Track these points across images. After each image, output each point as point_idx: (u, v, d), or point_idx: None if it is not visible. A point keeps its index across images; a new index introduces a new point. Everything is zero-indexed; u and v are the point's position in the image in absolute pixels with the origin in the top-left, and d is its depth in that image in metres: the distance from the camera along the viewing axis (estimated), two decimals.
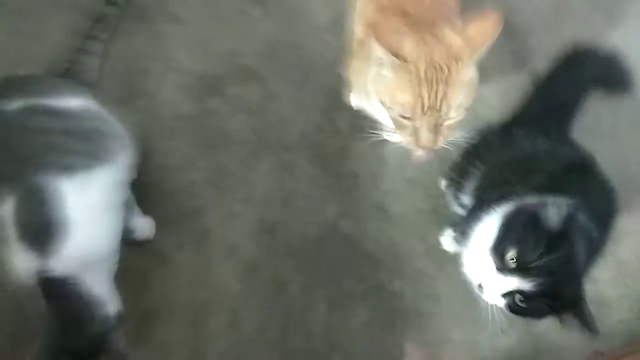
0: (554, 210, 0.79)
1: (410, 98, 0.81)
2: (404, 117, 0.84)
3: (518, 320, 1.29)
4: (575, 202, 0.82)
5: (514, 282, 0.82)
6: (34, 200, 0.92)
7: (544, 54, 1.43)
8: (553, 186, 0.91)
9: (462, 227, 1.08)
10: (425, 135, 0.85)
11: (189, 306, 1.28)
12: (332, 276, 1.32)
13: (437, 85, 0.79)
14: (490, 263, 0.86)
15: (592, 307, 1.33)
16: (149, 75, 1.39)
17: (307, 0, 1.45)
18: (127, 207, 1.13)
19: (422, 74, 0.79)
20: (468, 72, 0.83)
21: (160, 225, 1.30)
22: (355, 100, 1.37)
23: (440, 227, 1.35)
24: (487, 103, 1.42)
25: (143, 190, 1.30)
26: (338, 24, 1.41)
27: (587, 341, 1.31)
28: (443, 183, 1.36)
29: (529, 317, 0.88)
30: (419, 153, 0.93)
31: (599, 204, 0.96)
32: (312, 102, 1.40)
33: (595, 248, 0.93)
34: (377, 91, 0.87)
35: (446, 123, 0.85)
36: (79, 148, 0.98)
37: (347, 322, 1.30)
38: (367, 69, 0.92)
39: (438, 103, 0.81)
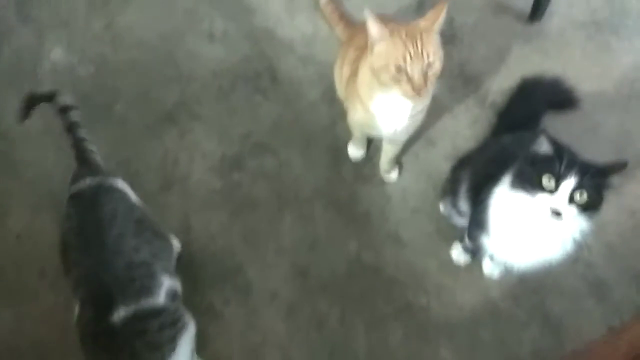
0: (541, 142, 1.08)
1: (401, 50, 1.11)
2: (399, 70, 1.12)
3: (536, 311, 1.48)
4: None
5: (567, 186, 1.05)
6: None
7: (499, 90, 1.75)
8: None
9: (477, 223, 1.29)
10: (417, 77, 1.13)
11: (244, 352, 1.43)
12: (364, 303, 1.50)
13: (416, 42, 1.11)
14: (540, 198, 1.08)
15: (595, 288, 1.52)
16: (179, 165, 1.66)
17: (298, 84, 1.77)
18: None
19: (404, 37, 1.12)
20: (434, 38, 1.15)
21: (207, 286, 1.50)
22: (353, 150, 1.65)
23: (447, 244, 1.56)
24: (461, 136, 1.70)
25: (190, 257, 1.52)
26: (327, 96, 1.72)
27: (601, 320, 1.48)
28: (441, 206, 1.59)
29: (597, 202, 1.08)
30: (412, 97, 1.18)
31: None
32: (318, 160, 1.67)
33: None
34: (373, 68, 1.17)
35: (430, 72, 1.14)
36: (169, 336, 1.09)
37: (386, 341, 1.45)
38: (356, 87, 1.29)
39: (420, 52, 1.12)
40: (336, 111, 1.70)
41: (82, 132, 1.29)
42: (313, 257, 1.55)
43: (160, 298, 1.09)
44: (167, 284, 1.12)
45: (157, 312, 1.07)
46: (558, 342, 1.46)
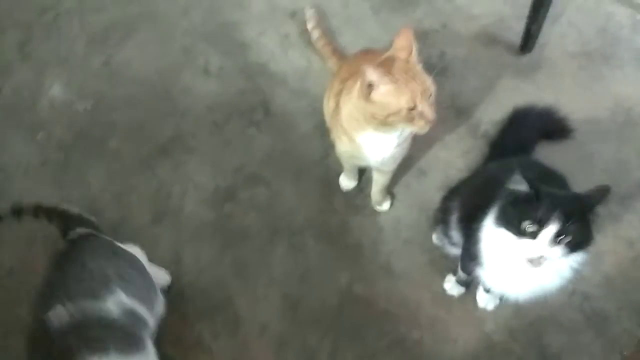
0: (517, 180, 1.04)
1: (408, 91, 1.12)
2: (410, 110, 1.13)
3: (533, 345, 1.44)
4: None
5: (548, 232, 1.01)
6: None
7: (491, 121, 1.75)
8: None
9: (469, 255, 1.26)
10: (428, 111, 1.14)
11: None
12: (356, 336, 1.47)
13: (414, 77, 1.13)
14: (525, 243, 1.04)
15: (593, 321, 1.48)
16: (172, 197, 1.67)
17: (292, 116, 1.79)
18: None
19: (403, 77, 1.13)
20: (418, 66, 1.17)
21: (196, 319, 1.48)
22: (345, 181, 1.65)
23: (440, 276, 1.53)
24: (454, 166, 1.69)
25: (180, 290, 1.51)
26: (319, 129, 1.74)
27: (600, 354, 1.43)
28: (434, 237, 1.57)
29: (582, 244, 1.04)
30: (425, 129, 1.19)
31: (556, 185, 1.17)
32: (310, 192, 1.67)
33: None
34: (377, 116, 1.17)
35: (431, 99, 1.16)
36: (113, 346, 1.03)
37: None
38: (341, 120, 1.30)
39: (424, 85, 1.13)
40: (328, 143, 1.70)
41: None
42: (304, 289, 1.53)
43: (109, 304, 1.06)
44: (122, 298, 1.09)
45: (103, 321, 1.04)
46: None
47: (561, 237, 1.01)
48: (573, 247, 1.03)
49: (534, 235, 1.02)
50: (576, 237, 1.02)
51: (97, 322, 1.03)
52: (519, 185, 1.05)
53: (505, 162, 1.35)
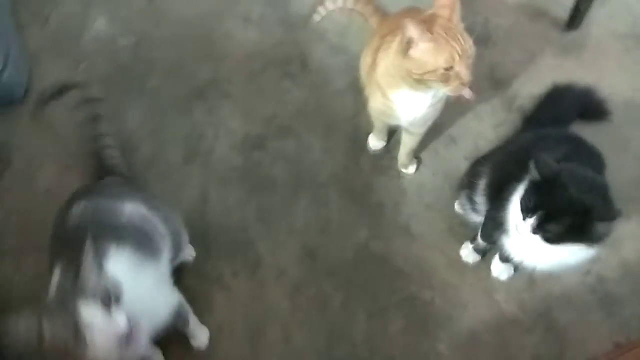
0: (531, 168, 1.06)
1: (448, 50, 1.11)
2: (446, 70, 1.13)
3: (541, 319, 1.46)
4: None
5: (529, 222, 1.07)
6: None
7: (528, 96, 1.73)
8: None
9: (494, 221, 1.27)
10: (465, 73, 1.13)
11: (247, 325, 1.47)
12: (369, 290, 1.51)
13: (454, 37, 1.11)
14: (519, 218, 1.10)
15: (604, 303, 1.49)
16: (204, 140, 1.72)
17: (327, 72, 1.80)
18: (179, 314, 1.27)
19: (443, 36, 1.11)
20: (460, 26, 1.15)
21: (219, 257, 1.55)
22: (374, 141, 1.67)
23: (458, 243, 1.55)
24: (484, 138, 1.69)
25: (205, 228, 1.57)
26: (353, 87, 1.75)
27: (607, 335, 1.45)
28: (456, 205, 1.59)
29: (568, 241, 1.07)
30: (464, 93, 1.19)
31: (590, 162, 1.20)
32: (338, 148, 1.70)
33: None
34: (413, 73, 1.16)
35: (469, 62, 1.15)
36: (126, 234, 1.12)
37: (386, 330, 1.46)
38: (377, 76, 1.30)
39: (464, 47, 1.12)
40: (361, 102, 1.71)
41: (109, 140, 1.38)
42: (323, 240, 1.58)
43: (126, 210, 1.15)
44: (141, 211, 1.18)
45: (120, 223, 1.12)
46: (560, 351, 1.44)
47: (540, 231, 1.06)
48: (557, 241, 1.06)
49: (524, 217, 1.08)
50: (555, 236, 1.05)
51: (114, 222, 1.12)
52: (533, 171, 1.07)
53: (543, 132, 1.35)
